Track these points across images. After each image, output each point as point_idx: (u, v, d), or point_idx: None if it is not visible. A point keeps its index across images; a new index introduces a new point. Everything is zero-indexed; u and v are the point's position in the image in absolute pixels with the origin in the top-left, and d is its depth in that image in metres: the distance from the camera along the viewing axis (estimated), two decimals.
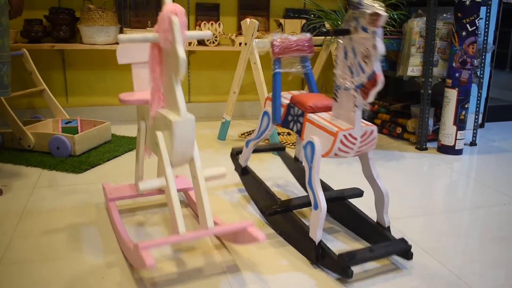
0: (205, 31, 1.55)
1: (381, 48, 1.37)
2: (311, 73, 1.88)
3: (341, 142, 1.49)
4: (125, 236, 1.62)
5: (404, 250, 1.58)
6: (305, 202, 1.77)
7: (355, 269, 1.53)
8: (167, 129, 1.45)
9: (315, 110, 1.65)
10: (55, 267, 1.51)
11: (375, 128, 1.56)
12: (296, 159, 2.19)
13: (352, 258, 1.48)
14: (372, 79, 1.39)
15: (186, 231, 1.42)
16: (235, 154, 2.16)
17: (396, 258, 1.62)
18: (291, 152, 2.56)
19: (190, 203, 2.01)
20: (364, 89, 1.42)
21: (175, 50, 1.35)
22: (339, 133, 1.49)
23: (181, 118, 1.42)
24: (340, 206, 1.86)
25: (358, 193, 1.84)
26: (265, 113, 1.89)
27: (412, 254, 1.59)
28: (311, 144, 1.55)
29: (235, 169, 2.18)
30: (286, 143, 2.92)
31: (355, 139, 1.51)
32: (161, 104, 1.54)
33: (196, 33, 1.54)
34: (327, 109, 1.66)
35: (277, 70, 1.80)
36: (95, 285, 1.43)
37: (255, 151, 2.12)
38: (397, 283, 1.48)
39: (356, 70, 1.45)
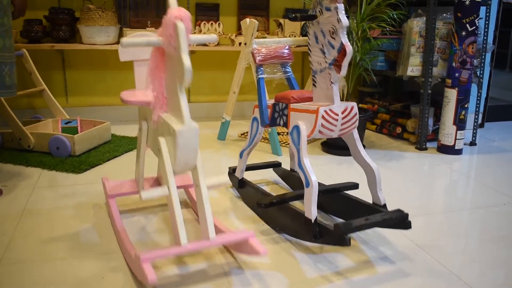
0: (210, 35, 1.54)
1: (344, 20, 1.50)
2: (293, 77, 2.00)
3: (323, 118, 1.58)
4: (126, 241, 1.61)
5: (401, 218, 1.59)
6: (299, 194, 1.78)
7: (351, 265, 1.53)
8: (171, 137, 1.43)
9: (298, 101, 1.74)
10: (55, 267, 1.52)
11: (354, 104, 1.65)
12: (292, 170, 2.21)
13: (348, 226, 1.50)
14: (342, 50, 1.51)
15: (188, 242, 1.42)
16: (232, 172, 2.16)
17: (393, 257, 1.62)
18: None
19: (191, 201, 2.01)
20: (336, 63, 1.53)
21: (180, 58, 1.34)
22: (320, 109, 1.57)
23: (185, 127, 1.40)
24: (336, 200, 1.89)
25: (353, 185, 1.89)
26: (254, 119, 1.96)
27: (410, 222, 1.60)
28: (296, 127, 1.64)
29: (233, 185, 2.19)
30: (286, 143, 2.93)
31: (336, 114, 1.60)
32: (164, 108, 1.53)
33: (201, 37, 1.53)
34: (310, 99, 1.75)
35: (260, 76, 1.93)
36: (95, 285, 1.43)
37: (250, 168, 2.18)
38: (396, 282, 1.48)
39: (327, 49, 1.57)
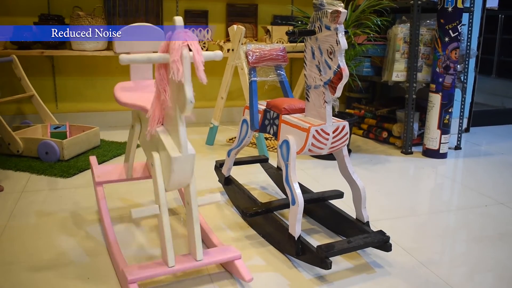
0: (215, 52, 1.51)
1: (343, 43, 1.47)
2: (286, 81, 1.97)
3: (314, 137, 1.57)
4: (116, 249, 1.59)
5: (382, 241, 1.61)
6: (285, 204, 1.81)
7: (336, 269, 1.56)
8: (166, 159, 1.40)
9: (289, 112, 1.73)
10: (41, 270, 1.53)
11: (346, 123, 1.64)
12: (278, 168, 2.24)
13: (330, 249, 1.51)
14: (338, 73, 1.49)
15: (176, 262, 1.43)
16: (219, 166, 2.19)
17: (378, 259, 1.66)
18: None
19: (181, 196, 2.02)
20: (331, 84, 1.52)
21: (183, 89, 1.32)
22: (311, 129, 1.56)
23: (181, 154, 1.37)
24: (320, 207, 1.90)
25: (338, 194, 1.89)
26: (244, 121, 1.96)
27: (390, 245, 1.61)
28: (286, 142, 1.63)
29: (219, 180, 2.22)
30: (274, 148, 2.96)
31: (328, 134, 1.59)
32: (161, 121, 1.50)
33: (206, 54, 1.48)
34: (301, 110, 1.74)
35: (253, 79, 1.89)
36: (81, 286, 1.45)
37: (238, 163, 2.18)
38: (378, 283, 1.52)
39: (323, 67, 1.55)
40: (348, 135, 1.65)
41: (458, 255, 1.72)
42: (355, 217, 1.75)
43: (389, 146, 3.18)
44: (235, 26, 2.80)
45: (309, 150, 1.59)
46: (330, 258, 1.48)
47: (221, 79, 2.95)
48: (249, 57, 1.87)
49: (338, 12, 1.47)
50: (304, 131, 1.58)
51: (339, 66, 1.48)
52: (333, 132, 1.60)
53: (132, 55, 1.35)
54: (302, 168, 2.60)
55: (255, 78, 1.89)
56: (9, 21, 3.15)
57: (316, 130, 1.57)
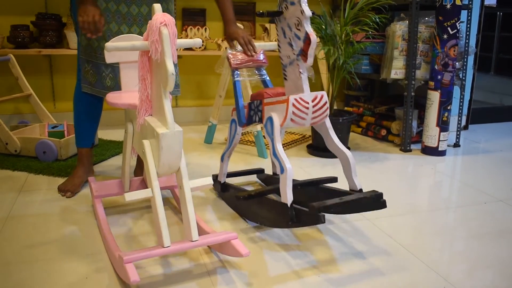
0: (195, 39, 1.57)
1: (307, 11, 1.55)
2: (268, 80, 2.06)
3: (294, 106, 1.64)
4: (111, 242, 1.62)
5: (375, 197, 1.63)
6: (277, 188, 1.80)
7: (335, 266, 1.56)
8: (154, 140, 1.46)
9: (271, 96, 1.81)
10: (40, 269, 1.53)
11: (324, 93, 1.70)
12: (274, 174, 2.25)
13: (322, 205, 1.54)
14: (307, 40, 1.56)
15: (171, 243, 1.44)
16: (215, 179, 2.16)
17: (377, 257, 1.65)
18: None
19: (176, 201, 2.03)
20: (303, 53, 1.59)
21: (164, 63, 1.37)
22: (290, 98, 1.64)
23: (168, 130, 1.42)
24: (315, 192, 1.94)
25: (333, 178, 1.94)
26: (233, 120, 2.02)
27: (385, 201, 1.64)
28: (269, 119, 1.70)
29: (216, 191, 2.22)
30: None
31: (307, 102, 1.66)
32: (149, 111, 1.56)
33: (186, 42, 1.55)
34: (282, 95, 1.79)
35: (236, 79, 1.99)
36: (79, 285, 1.44)
37: (234, 175, 2.22)
38: (378, 281, 1.51)
39: (294, 41, 1.63)
40: (328, 105, 1.71)
41: (457, 252, 1.72)
42: (348, 190, 1.78)
43: (388, 143, 3.17)
44: None
45: (292, 120, 1.65)
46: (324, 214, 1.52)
47: (219, 77, 2.95)
48: (231, 61, 1.98)
49: None
50: (284, 102, 1.66)
51: (306, 33, 1.56)
52: (313, 101, 1.67)
53: (117, 42, 1.45)
54: (300, 166, 2.60)
55: (238, 79, 1.99)
56: (7, 20, 3.14)
57: (295, 99, 1.64)
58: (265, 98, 1.80)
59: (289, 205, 1.59)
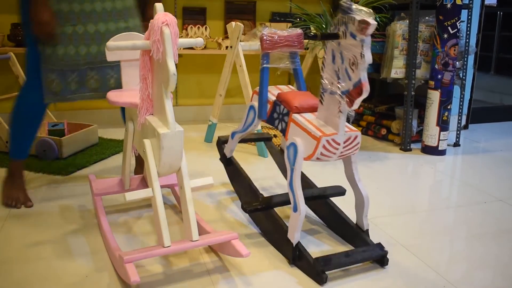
0: (197, 39, 1.56)
1: (368, 57, 1.35)
2: (300, 69, 1.83)
3: (324, 147, 1.49)
4: (112, 241, 1.62)
5: (380, 256, 1.60)
6: (286, 200, 1.77)
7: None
8: (155, 139, 1.45)
9: (300, 110, 1.64)
10: (39, 268, 1.53)
11: (359, 133, 1.55)
12: (282, 151, 2.17)
13: (327, 262, 1.50)
14: (358, 87, 1.38)
15: (172, 243, 1.44)
16: (221, 143, 2.14)
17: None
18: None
19: (176, 199, 2.03)
20: (349, 96, 1.41)
21: (165, 63, 1.37)
22: (322, 138, 1.48)
23: (169, 130, 1.42)
24: (322, 204, 1.89)
25: (341, 191, 1.86)
26: (251, 107, 1.86)
27: (387, 260, 1.60)
28: (294, 146, 1.55)
29: (220, 159, 2.16)
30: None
31: (338, 144, 1.51)
32: (150, 111, 1.56)
33: (187, 41, 1.54)
34: (313, 109, 1.64)
35: (265, 65, 1.76)
36: (79, 284, 1.44)
37: (242, 140, 2.10)
38: (377, 280, 1.51)
39: (343, 75, 1.44)
40: (359, 145, 1.58)
41: (457, 252, 1.72)
42: (355, 222, 1.72)
43: (388, 143, 3.17)
44: (233, 23, 2.79)
45: (318, 158, 1.52)
46: (326, 273, 1.48)
47: (219, 76, 2.94)
48: (264, 42, 1.73)
49: (367, 23, 1.32)
50: (315, 139, 1.49)
51: (360, 81, 1.37)
52: (344, 142, 1.52)
53: (118, 42, 1.44)
54: None
55: (267, 65, 1.76)
56: (7, 18, 3.14)
57: (327, 140, 1.48)
58: (294, 113, 1.63)
59: (294, 245, 1.56)
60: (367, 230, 1.70)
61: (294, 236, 1.54)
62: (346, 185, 1.80)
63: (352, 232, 1.72)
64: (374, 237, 1.78)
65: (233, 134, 2.01)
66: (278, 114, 1.72)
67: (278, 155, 2.20)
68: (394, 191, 2.29)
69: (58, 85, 1.89)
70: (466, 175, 2.56)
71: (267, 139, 2.26)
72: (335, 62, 1.48)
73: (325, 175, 2.47)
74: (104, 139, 2.99)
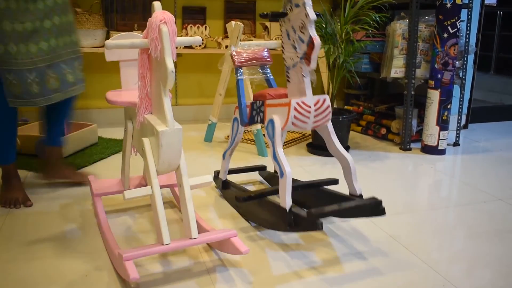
0: (195, 37, 1.57)
1: (312, 14, 1.53)
2: (271, 79, 2.04)
3: (296, 109, 1.63)
4: (111, 240, 1.63)
5: (374, 204, 1.63)
6: (277, 189, 1.81)
7: (334, 265, 1.56)
8: (154, 137, 1.46)
9: (274, 97, 1.79)
10: (39, 267, 1.53)
11: (327, 96, 1.69)
12: (276, 172, 2.23)
13: (320, 211, 1.54)
14: (310, 43, 1.55)
15: (171, 241, 1.44)
16: (217, 176, 2.19)
17: (376, 255, 1.65)
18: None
19: (175, 199, 2.03)
20: (306, 57, 1.58)
21: (163, 60, 1.37)
22: (292, 101, 1.62)
23: (168, 128, 1.43)
24: (315, 193, 1.93)
25: (333, 180, 1.93)
26: (235, 119, 2.02)
27: (384, 209, 1.63)
28: (271, 121, 1.69)
29: (217, 187, 2.22)
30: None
31: (309, 106, 1.64)
32: (149, 109, 1.56)
33: (185, 40, 1.55)
34: (286, 96, 1.78)
35: (239, 78, 1.97)
36: (79, 283, 1.44)
37: (235, 172, 2.21)
38: (377, 280, 1.51)
39: (298, 43, 1.61)
40: (330, 109, 1.70)
41: (456, 251, 1.72)
42: (348, 194, 1.77)
43: (388, 142, 3.17)
44: (233, 22, 2.79)
45: (293, 124, 1.64)
46: (321, 220, 1.51)
47: (219, 75, 2.95)
48: (235, 58, 1.96)
49: None
50: (286, 105, 1.64)
51: (310, 37, 1.54)
52: (315, 105, 1.65)
53: (116, 40, 1.45)
54: (300, 164, 2.60)
55: (242, 77, 1.97)
56: None
57: (297, 103, 1.63)
58: (267, 99, 1.78)
59: (287, 210, 1.59)
60: (361, 194, 1.74)
61: (286, 200, 1.59)
62: (346, 184, 1.80)
63: (346, 201, 1.75)
64: (374, 236, 1.78)
65: (224, 154, 2.10)
66: (255, 110, 1.87)
67: (273, 178, 2.28)
68: (393, 190, 2.29)
69: (17, 87, 1.81)
70: (465, 175, 2.56)
71: (261, 169, 2.36)
72: (290, 37, 1.66)
73: (325, 175, 2.47)
74: (103, 139, 2.99)
